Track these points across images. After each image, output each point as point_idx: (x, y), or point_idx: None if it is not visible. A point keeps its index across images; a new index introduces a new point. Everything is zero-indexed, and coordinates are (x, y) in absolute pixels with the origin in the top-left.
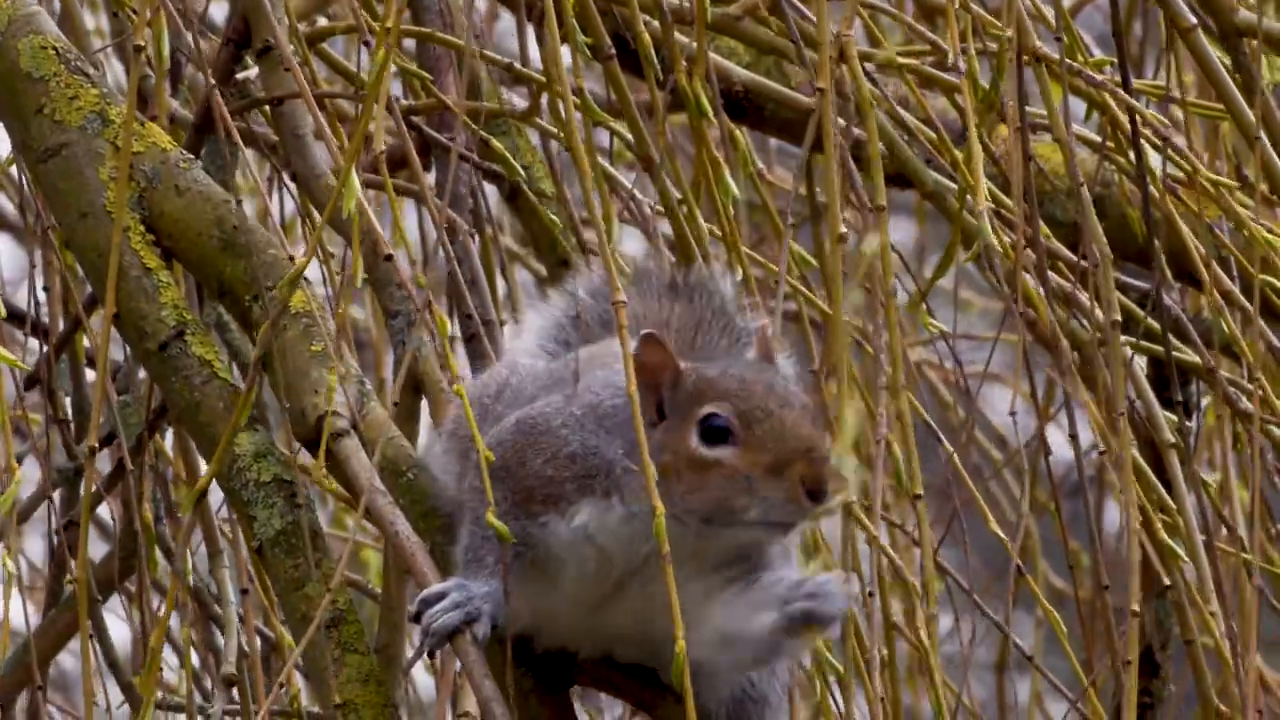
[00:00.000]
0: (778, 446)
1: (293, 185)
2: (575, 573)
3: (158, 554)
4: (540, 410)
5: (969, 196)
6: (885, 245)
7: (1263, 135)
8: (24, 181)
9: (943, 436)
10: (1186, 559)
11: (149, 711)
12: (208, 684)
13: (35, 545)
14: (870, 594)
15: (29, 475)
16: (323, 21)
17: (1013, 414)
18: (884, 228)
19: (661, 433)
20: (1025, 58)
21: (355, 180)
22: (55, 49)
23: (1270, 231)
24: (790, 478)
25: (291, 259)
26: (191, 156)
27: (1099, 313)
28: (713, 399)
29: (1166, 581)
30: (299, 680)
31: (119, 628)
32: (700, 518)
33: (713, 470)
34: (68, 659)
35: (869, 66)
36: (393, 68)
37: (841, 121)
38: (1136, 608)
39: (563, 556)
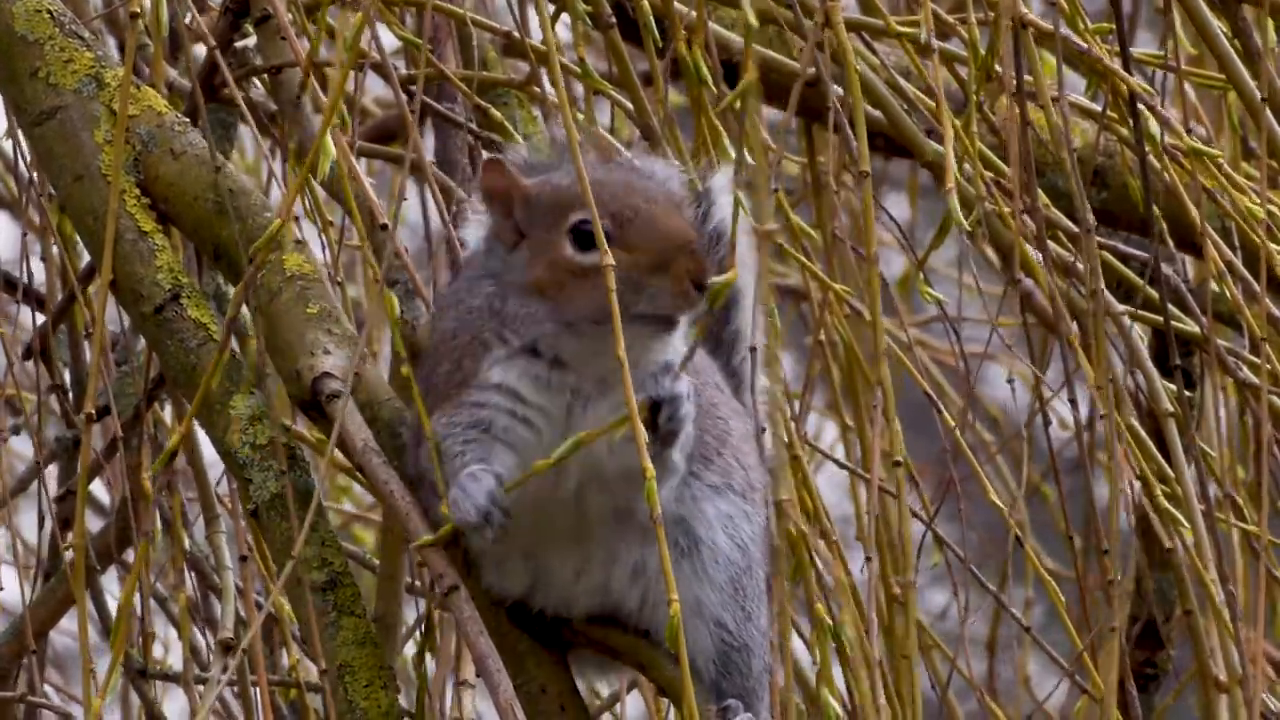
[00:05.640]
0: (655, 244)
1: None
2: (523, 426)
3: (154, 524)
4: (452, 288)
5: (966, 164)
6: (869, 203)
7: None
8: (17, 152)
9: (942, 408)
10: (1185, 523)
11: (115, 673)
12: (206, 659)
13: (29, 522)
14: (869, 559)
15: (26, 450)
16: None
17: (1010, 381)
18: (868, 194)
19: (528, 252)
20: (1018, 25)
21: (330, 143)
22: (50, 12)
23: (1270, 202)
24: (674, 273)
25: (296, 221)
26: (187, 120)
27: (1101, 284)
28: (578, 207)
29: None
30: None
31: (118, 596)
32: (591, 320)
33: (593, 274)
34: (64, 640)
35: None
36: (394, 38)
37: (840, 91)
38: (1119, 576)
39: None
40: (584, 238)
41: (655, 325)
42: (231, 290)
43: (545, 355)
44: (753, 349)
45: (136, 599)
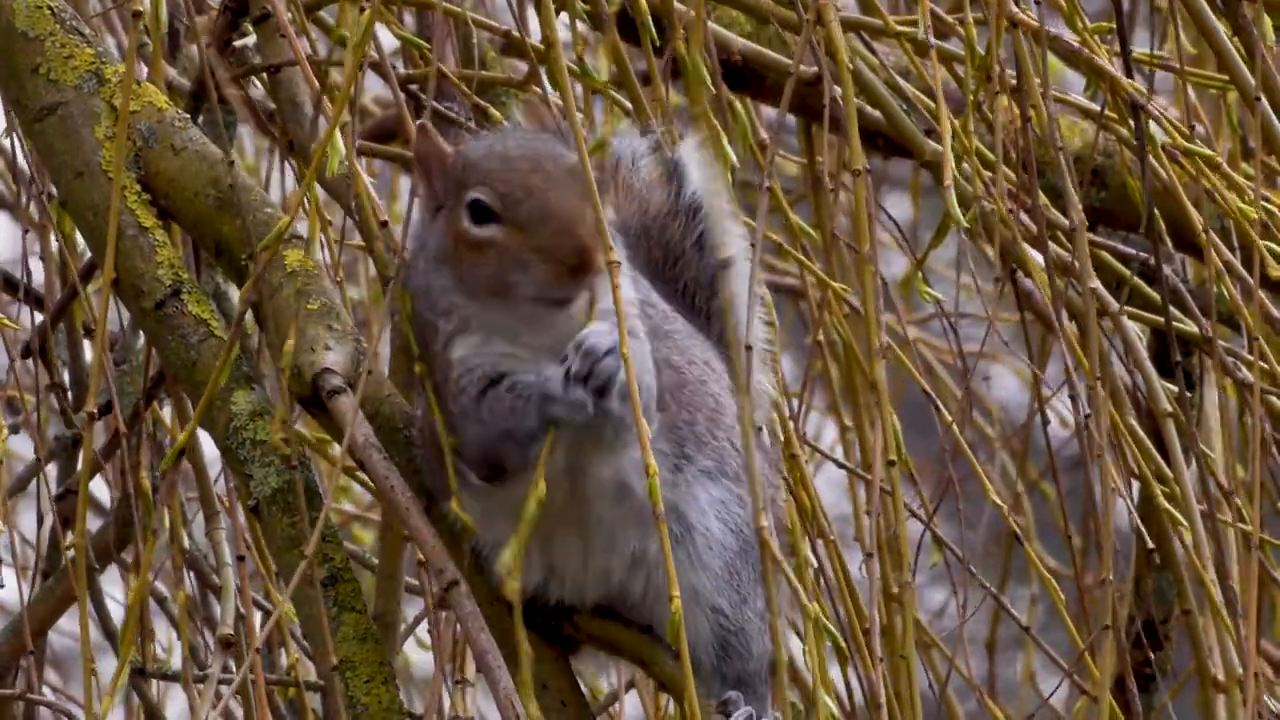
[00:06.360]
0: (541, 227)
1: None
2: None
3: (155, 522)
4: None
5: (963, 163)
6: (862, 202)
7: (1262, 98)
8: (15, 149)
9: (940, 406)
10: (1184, 523)
11: (123, 673)
12: (206, 659)
13: (28, 521)
14: (870, 556)
15: (25, 450)
16: None
17: (986, 378)
18: (860, 193)
19: (443, 222)
20: (1010, 25)
21: (339, 139)
22: (50, 8)
23: (1268, 201)
24: (556, 257)
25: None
26: (187, 116)
27: (1095, 283)
28: (475, 182)
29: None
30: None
31: (117, 598)
32: (484, 292)
33: (486, 249)
34: (65, 640)
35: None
36: (393, 38)
37: (838, 90)
38: (1113, 575)
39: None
40: (480, 212)
41: (546, 305)
42: (232, 288)
43: (474, 329)
44: (748, 348)
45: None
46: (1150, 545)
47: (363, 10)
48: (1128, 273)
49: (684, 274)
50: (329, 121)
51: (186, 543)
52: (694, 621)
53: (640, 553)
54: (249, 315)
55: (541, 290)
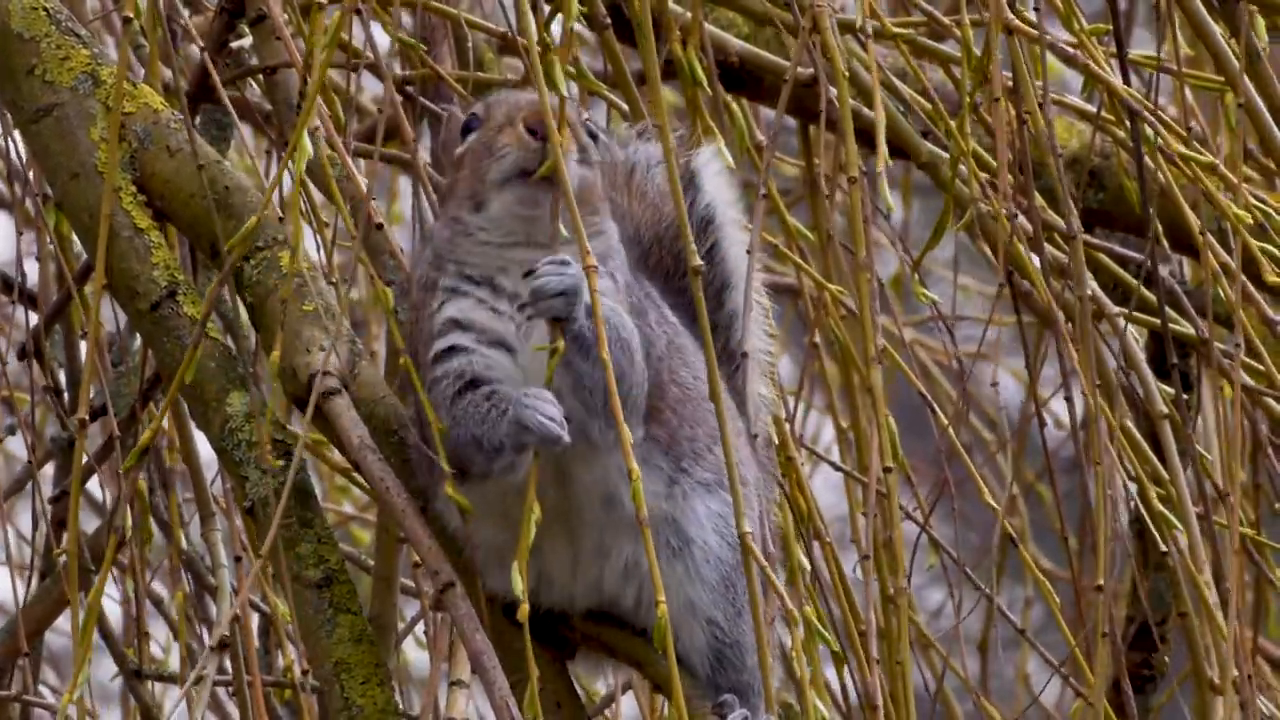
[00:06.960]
0: (502, 111)
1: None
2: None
3: (152, 524)
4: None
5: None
6: (858, 207)
7: (1252, 90)
8: (9, 149)
9: (936, 408)
10: (1180, 526)
11: (83, 672)
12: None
13: (27, 521)
14: (865, 558)
15: (23, 451)
16: None
17: (994, 384)
18: (856, 199)
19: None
20: (1010, 28)
21: (307, 142)
22: (46, 10)
23: (1263, 203)
24: (514, 126)
25: (281, 219)
26: (183, 117)
27: (1093, 284)
28: (468, 115)
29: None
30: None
31: (114, 598)
32: (470, 208)
33: (469, 157)
34: (62, 641)
35: (862, 36)
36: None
37: (835, 92)
38: (1102, 582)
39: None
40: (465, 130)
41: (519, 187)
42: (227, 290)
43: (478, 279)
44: (744, 354)
45: (132, 599)
46: (1155, 545)
47: (358, 12)
48: (1125, 274)
49: None
50: (331, 127)
51: (184, 544)
52: (690, 633)
53: (633, 563)
54: (244, 317)
55: (508, 165)
